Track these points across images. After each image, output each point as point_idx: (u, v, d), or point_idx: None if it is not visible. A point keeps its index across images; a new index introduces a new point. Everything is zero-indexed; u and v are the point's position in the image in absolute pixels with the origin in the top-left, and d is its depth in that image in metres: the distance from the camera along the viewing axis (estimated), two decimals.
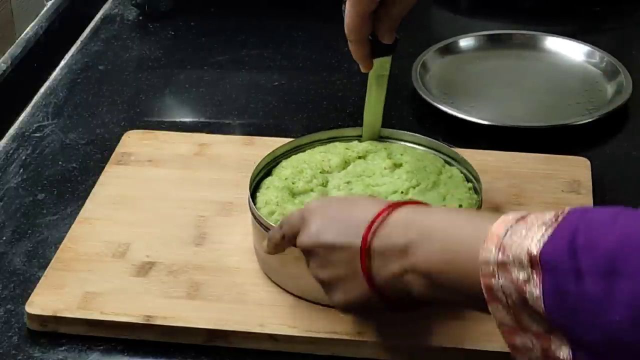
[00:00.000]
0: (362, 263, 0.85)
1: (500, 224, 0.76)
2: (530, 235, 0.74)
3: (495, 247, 0.75)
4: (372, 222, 0.85)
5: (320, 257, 0.88)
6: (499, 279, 0.75)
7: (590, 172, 1.16)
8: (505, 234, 0.75)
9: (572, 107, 1.32)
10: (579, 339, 0.71)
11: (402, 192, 1.03)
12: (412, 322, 0.96)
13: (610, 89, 1.35)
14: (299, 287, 0.99)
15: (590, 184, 1.15)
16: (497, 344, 0.93)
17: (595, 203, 1.11)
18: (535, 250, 0.73)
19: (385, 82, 1.10)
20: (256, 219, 1.00)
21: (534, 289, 0.72)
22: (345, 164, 1.08)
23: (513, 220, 0.76)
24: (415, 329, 0.96)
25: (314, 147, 1.12)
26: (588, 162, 1.18)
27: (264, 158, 1.09)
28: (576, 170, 1.17)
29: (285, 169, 1.08)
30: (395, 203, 0.86)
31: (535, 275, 0.72)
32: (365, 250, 0.85)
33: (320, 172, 1.07)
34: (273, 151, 1.10)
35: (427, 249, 0.82)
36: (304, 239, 0.89)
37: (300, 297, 0.99)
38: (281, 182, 1.05)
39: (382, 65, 1.08)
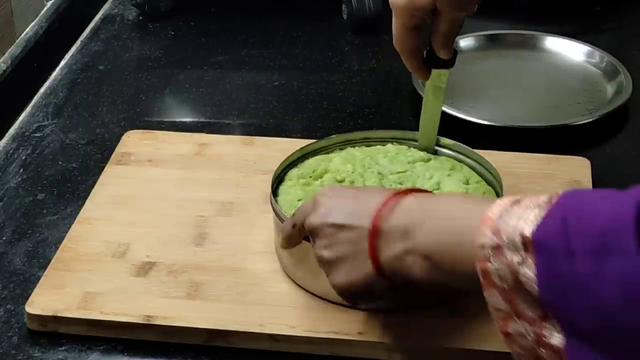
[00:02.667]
0: (371, 243, 0.86)
1: (495, 207, 0.77)
2: (524, 217, 0.74)
3: (490, 231, 0.75)
4: (383, 205, 0.87)
5: (327, 237, 0.89)
6: (494, 262, 0.75)
7: (590, 172, 1.16)
8: (500, 216, 0.75)
9: (572, 107, 1.32)
10: (571, 322, 0.71)
11: None
12: (412, 322, 0.96)
13: (610, 89, 1.35)
14: (322, 284, 0.99)
15: (590, 184, 1.15)
16: (497, 344, 0.93)
17: None
18: (528, 231, 0.73)
19: (442, 94, 1.09)
20: (278, 215, 1.01)
21: (528, 271, 0.73)
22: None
23: (508, 204, 0.76)
24: (415, 328, 0.96)
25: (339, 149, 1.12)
26: (588, 162, 1.18)
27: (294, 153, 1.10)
28: (576, 170, 1.17)
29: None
30: (403, 190, 0.88)
31: (529, 257, 0.73)
32: (374, 231, 0.86)
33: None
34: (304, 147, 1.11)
35: (427, 231, 0.83)
36: (312, 219, 0.91)
37: (309, 298, 0.99)
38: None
39: (438, 77, 1.07)
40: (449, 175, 1.07)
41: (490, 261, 0.75)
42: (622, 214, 0.69)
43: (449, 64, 1.06)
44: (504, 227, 0.75)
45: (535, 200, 0.75)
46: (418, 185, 1.05)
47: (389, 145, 1.11)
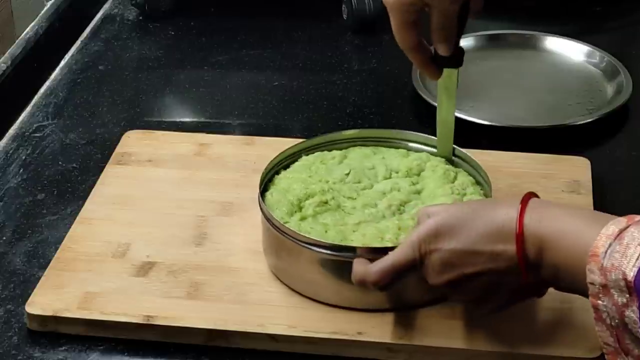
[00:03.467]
0: (525, 277, 0.85)
1: (600, 241, 0.77)
2: (626, 257, 0.75)
3: (597, 269, 0.76)
4: (520, 242, 0.84)
5: (461, 288, 0.88)
6: (603, 300, 0.76)
7: (590, 172, 1.16)
8: (605, 254, 0.76)
9: (572, 107, 1.32)
10: None
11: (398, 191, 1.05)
12: (412, 322, 0.96)
13: (610, 89, 1.35)
14: (311, 288, 0.99)
15: (590, 184, 1.15)
16: (498, 344, 0.94)
17: (595, 203, 1.11)
18: (630, 276, 0.74)
19: (453, 94, 1.08)
20: (266, 217, 1.01)
21: (632, 314, 0.74)
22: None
23: (612, 236, 0.77)
24: (414, 328, 0.96)
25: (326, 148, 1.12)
26: (588, 162, 1.18)
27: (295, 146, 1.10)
28: (576, 170, 1.17)
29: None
30: (519, 213, 0.85)
31: (633, 301, 0.74)
32: (525, 267, 0.84)
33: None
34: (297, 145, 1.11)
35: (547, 262, 0.83)
36: (436, 279, 0.88)
37: (308, 298, 0.99)
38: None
39: (448, 77, 1.07)
40: (383, 158, 1.09)
41: (599, 299, 0.76)
42: None
43: (454, 62, 1.05)
44: (609, 266, 0.75)
45: (637, 236, 0.75)
46: (380, 175, 1.07)
47: (305, 157, 1.11)
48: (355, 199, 1.04)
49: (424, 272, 0.89)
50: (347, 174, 1.07)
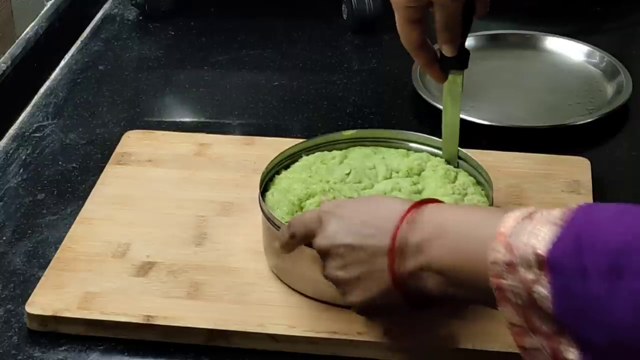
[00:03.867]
0: (391, 262, 0.85)
1: (507, 222, 0.76)
2: (536, 234, 0.74)
3: (503, 247, 0.75)
4: (400, 222, 0.85)
5: (339, 258, 0.88)
6: (508, 279, 0.75)
7: (590, 172, 1.16)
8: (513, 232, 0.75)
9: (572, 107, 1.32)
10: (586, 340, 0.71)
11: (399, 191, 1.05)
12: (412, 322, 0.96)
13: (610, 89, 1.35)
14: (312, 287, 0.99)
15: (590, 184, 1.15)
16: (497, 344, 0.94)
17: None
18: (542, 250, 0.73)
19: (458, 99, 1.08)
20: (267, 217, 1.01)
21: (542, 289, 0.73)
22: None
23: (520, 218, 0.76)
24: (415, 329, 0.96)
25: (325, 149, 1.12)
26: (588, 162, 1.18)
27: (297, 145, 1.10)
28: (576, 170, 1.17)
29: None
30: (416, 203, 0.86)
31: (542, 276, 0.73)
32: (394, 250, 0.85)
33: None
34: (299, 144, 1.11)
35: (440, 246, 0.82)
36: (321, 241, 0.90)
37: (310, 297, 0.99)
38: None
39: (453, 81, 1.06)
40: (383, 158, 1.09)
41: (504, 277, 0.75)
42: (635, 234, 0.69)
43: (459, 64, 1.05)
44: (517, 243, 0.75)
45: (548, 216, 0.75)
46: (379, 176, 1.07)
47: (305, 157, 1.10)
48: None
49: (315, 236, 0.90)
50: (348, 174, 1.07)
